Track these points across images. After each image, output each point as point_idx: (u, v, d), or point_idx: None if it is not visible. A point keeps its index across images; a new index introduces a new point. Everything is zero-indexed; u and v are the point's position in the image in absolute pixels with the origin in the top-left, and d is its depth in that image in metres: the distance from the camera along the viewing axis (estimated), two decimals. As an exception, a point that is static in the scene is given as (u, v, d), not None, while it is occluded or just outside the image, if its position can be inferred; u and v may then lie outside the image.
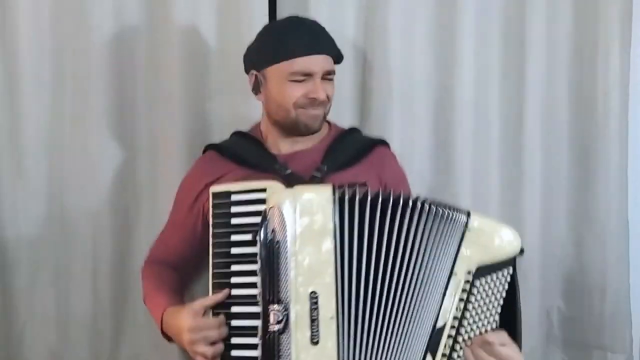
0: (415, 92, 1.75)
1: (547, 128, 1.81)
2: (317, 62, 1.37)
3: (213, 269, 1.19)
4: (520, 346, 1.17)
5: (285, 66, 1.36)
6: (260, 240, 1.12)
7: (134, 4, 1.65)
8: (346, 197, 1.14)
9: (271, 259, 1.10)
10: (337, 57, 1.46)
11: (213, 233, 1.20)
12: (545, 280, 1.85)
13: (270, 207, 1.13)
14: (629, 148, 1.81)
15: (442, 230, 1.15)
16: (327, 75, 1.41)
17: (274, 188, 1.17)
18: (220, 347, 1.16)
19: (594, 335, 1.84)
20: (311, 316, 1.08)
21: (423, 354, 1.12)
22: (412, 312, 1.14)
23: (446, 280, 1.14)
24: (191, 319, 1.18)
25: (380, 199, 1.14)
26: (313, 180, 1.35)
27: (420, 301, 1.14)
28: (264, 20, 1.63)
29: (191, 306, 1.20)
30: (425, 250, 1.14)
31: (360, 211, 1.14)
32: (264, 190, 1.17)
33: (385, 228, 1.13)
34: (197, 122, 1.68)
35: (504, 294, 1.17)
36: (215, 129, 1.67)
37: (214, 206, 1.21)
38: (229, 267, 1.17)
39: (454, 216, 1.16)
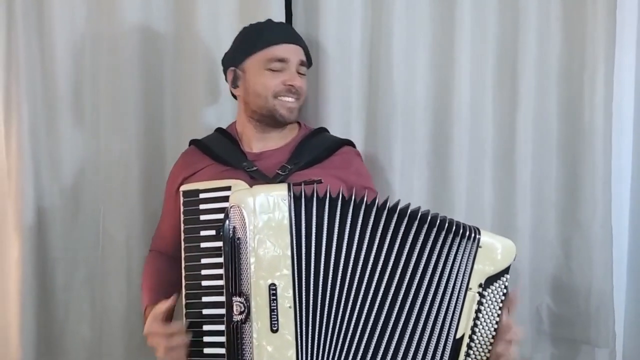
0: (417, 110, 1.77)
1: (538, 140, 1.83)
2: (293, 51, 1.42)
3: (185, 262, 1.18)
4: None
5: (263, 54, 1.40)
6: (223, 237, 1.12)
7: (160, 17, 1.70)
8: (302, 195, 1.14)
9: (233, 255, 1.11)
10: (308, 58, 1.48)
11: (184, 229, 1.19)
12: (535, 279, 1.85)
13: (231, 206, 1.12)
14: (612, 160, 1.84)
15: (454, 246, 1.18)
16: (301, 68, 1.43)
17: (237, 186, 1.17)
18: (174, 355, 1.15)
19: (580, 330, 1.85)
20: (270, 306, 1.10)
21: None
22: (404, 316, 1.16)
23: (463, 295, 1.18)
24: (148, 325, 1.22)
25: (339, 198, 1.15)
26: (277, 178, 1.34)
27: (421, 308, 1.17)
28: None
29: (153, 311, 1.22)
30: (420, 259, 1.17)
31: (318, 209, 1.14)
32: (228, 188, 1.17)
33: (357, 229, 1.14)
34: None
35: (503, 298, 1.22)
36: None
37: (184, 204, 1.20)
38: (199, 260, 1.16)
39: (463, 231, 1.18)
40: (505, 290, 1.22)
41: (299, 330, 1.11)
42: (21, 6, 1.61)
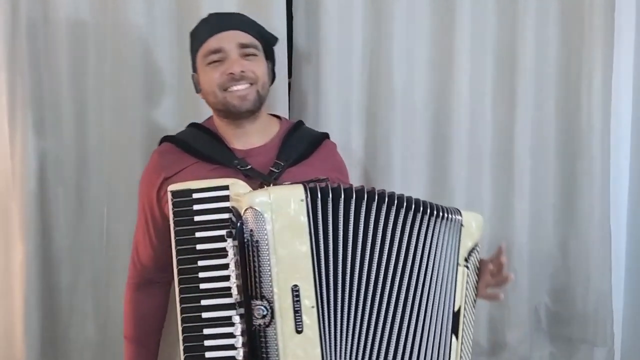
0: (416, 111, 1.79)
1: (536, 141, 1.85)
2: (226, 38, 1.33)
3: (178, 265, 1.13)
4: None
5: (201, 52, 1.35)
6: (237, 241, 1.08)
7: (164, 17, 1.68)
8: (318, 195, 1.13)
9: (251, 258, 1.08)
10: (261, 36, 1.39)
11: (175, 231, 1.13)
12: (534, 278, 1.88)
13: (247, 208, 1.09)
14: (610, 161, 1.87)
15: (447, 230, 1.23)
16: (246, 50, 1.34)
17: (236, 185, 1.13)
18: None
19: (578, 329, 1.89)
20: (294, 308, 1.08)
21: (449, 335, 1.24)
22: (418, 302, 1.19)
23: (455, 272, 1.25)
24: None
25: (354, 195, 1.15)
26: (271, 175, 1.31)
27: (429, 292, 1.20)
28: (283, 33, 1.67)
29: None
30: (431, 247, 1.21)
31: (334, 207, 1.14)
32: (226, 187, 1.13)
33: (370, 224, 1.16)
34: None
35: (479, 265, 1.33)
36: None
37: (174, 204, 1.14)
38: (196, 263, 1.12)
39: (452, 216, 1.23)
40: (479, 257, 1.33)
41: (322, 328, 1.11)
42: (25, 7, 1.61)
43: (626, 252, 2.01)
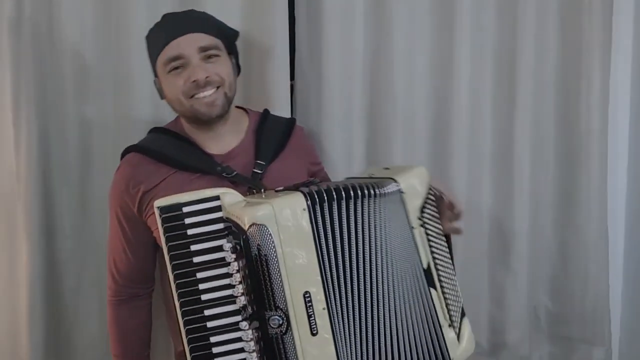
0: (417, 113, 1.80)
1: (535, 144, 1.86)
2: (184, 43, 1.27)
3: (175, 280, 1.12)
4: None
5: (160, 60, 1.29)
6: (244, 257, 1.09)
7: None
8: (316, 200, 1.14)
9: (261, 273, 1.08)
10: (221, 33, 1.34)
11: (169, 246, 1.11)
12: (534, 280, 1.90)
13: (252, 224, 1.07)
14: (608, 163, 1.89)
15: (390, 205, 1.22)
16: (207, 53, 1.28)
17: (227, 195, 1.13)
18: None
19: (577, 329, 1.91)
20: (308, 313, 1.10)
21: (427, 290, 1.25)
22: (396, 277, 1.20)
23: (411, 236, 1.25)
24: None
25: (343, 196, 1.16)
26: (255, 177, 1.31)
27: (401, 265, 1.22)
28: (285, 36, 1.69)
29: None
30: (386, 225, 1.20)
31: (330, 210, 1.15)
32: (217, 198, 1.12)
33: (358, 221, 1.17)
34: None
35: (436, 210, 1.34)
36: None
37: (164, 220, 1.11)
38: (195, 276, 1.11)
39: (390, 189, 1.23)
40: (434, 203, 1.34)
41: (334, 327, 1.13)
42: (30, 8, 1.61)
43: (624, 253, 2.03)
